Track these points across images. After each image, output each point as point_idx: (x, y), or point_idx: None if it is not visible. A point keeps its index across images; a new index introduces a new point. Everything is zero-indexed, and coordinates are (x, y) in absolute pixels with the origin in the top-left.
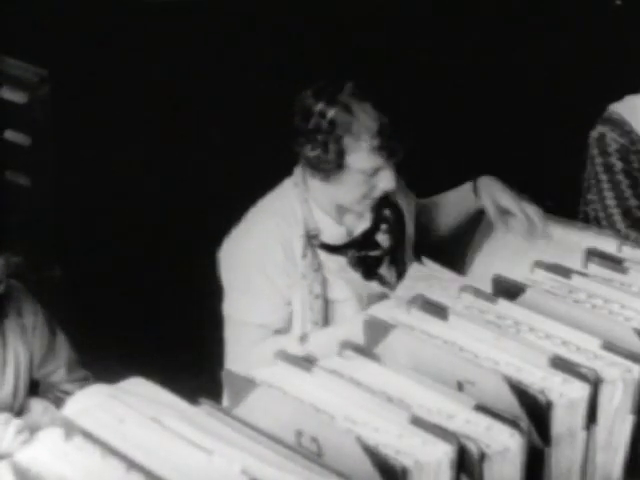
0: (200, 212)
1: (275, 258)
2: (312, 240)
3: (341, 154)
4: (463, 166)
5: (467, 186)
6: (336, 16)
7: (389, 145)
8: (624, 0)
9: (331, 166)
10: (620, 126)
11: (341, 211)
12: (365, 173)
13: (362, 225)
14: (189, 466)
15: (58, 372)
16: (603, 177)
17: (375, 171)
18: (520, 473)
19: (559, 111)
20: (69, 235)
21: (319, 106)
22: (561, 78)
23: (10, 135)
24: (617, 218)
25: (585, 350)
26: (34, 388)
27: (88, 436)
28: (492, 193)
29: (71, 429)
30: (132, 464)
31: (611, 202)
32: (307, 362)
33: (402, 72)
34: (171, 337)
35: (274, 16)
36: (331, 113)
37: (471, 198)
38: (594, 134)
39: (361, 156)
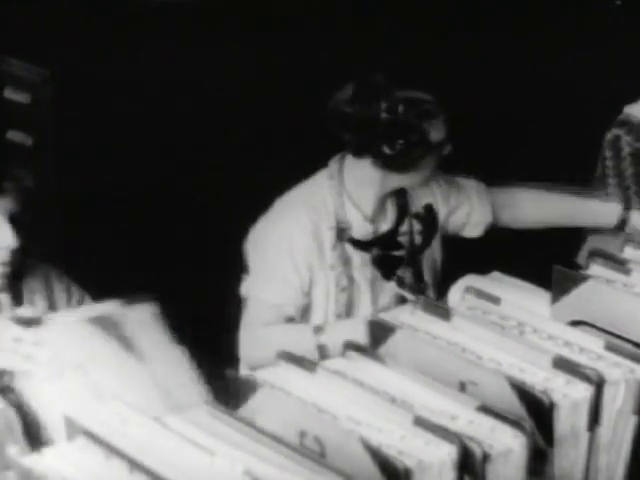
0: (203, 212)
1: (303, 248)
2: (341, 233)
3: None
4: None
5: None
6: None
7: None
8: (624, 0)
9: (419, 154)
10: (636, 129)
11: (381, 204)
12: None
13: (387, 224)
14: (192, 467)
15: None
16: (612, 181)
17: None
18: (523, 474)
19: (558, 112)
20: (70, 236)
21: (384, 106)
22: (560, 78)
23: (12, 135)
24: None
25: (588, 351)
26: None
27: (91, 437)
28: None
29: (74, 429)
30: (135, 465)
31: None
32: (310, 363)
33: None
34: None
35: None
36: (379, 110)
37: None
38: (609, 136)
39: (436, 127)
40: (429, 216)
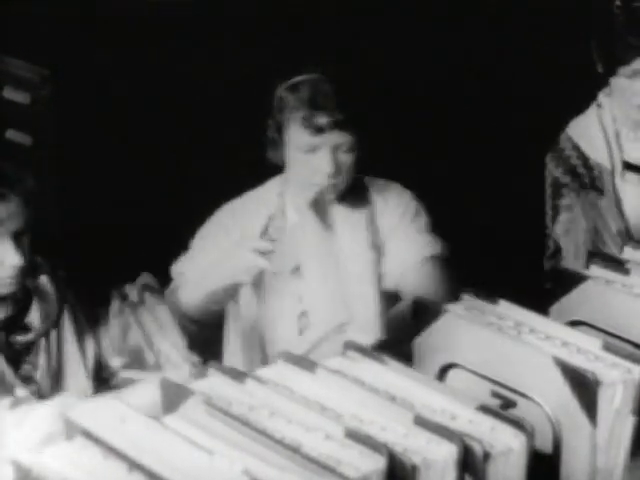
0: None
1: (231, 235)
2: (266, 231)
3: (280, 129)
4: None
5: None
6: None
7: (313, 118)
8: (624, 0)
9: (276, 143)
10: (560, 152)
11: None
12: (300, 150)
13: None
14: (190, 466)
15: None
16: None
17: (312, 150)
18: (524, 474)
19: (558, 111)
20: (70, 236)
21: (278, 90)
22: (560, 78)
23: (12, 135)
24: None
25: (586, 351)
26: None
27: (89, 436)
28: None
29: (72, 429)
30: (133, 464)
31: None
32: (310, 362)
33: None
34: None
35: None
36: (280, 91)
37: None
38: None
39: (293, 130)
40: None
